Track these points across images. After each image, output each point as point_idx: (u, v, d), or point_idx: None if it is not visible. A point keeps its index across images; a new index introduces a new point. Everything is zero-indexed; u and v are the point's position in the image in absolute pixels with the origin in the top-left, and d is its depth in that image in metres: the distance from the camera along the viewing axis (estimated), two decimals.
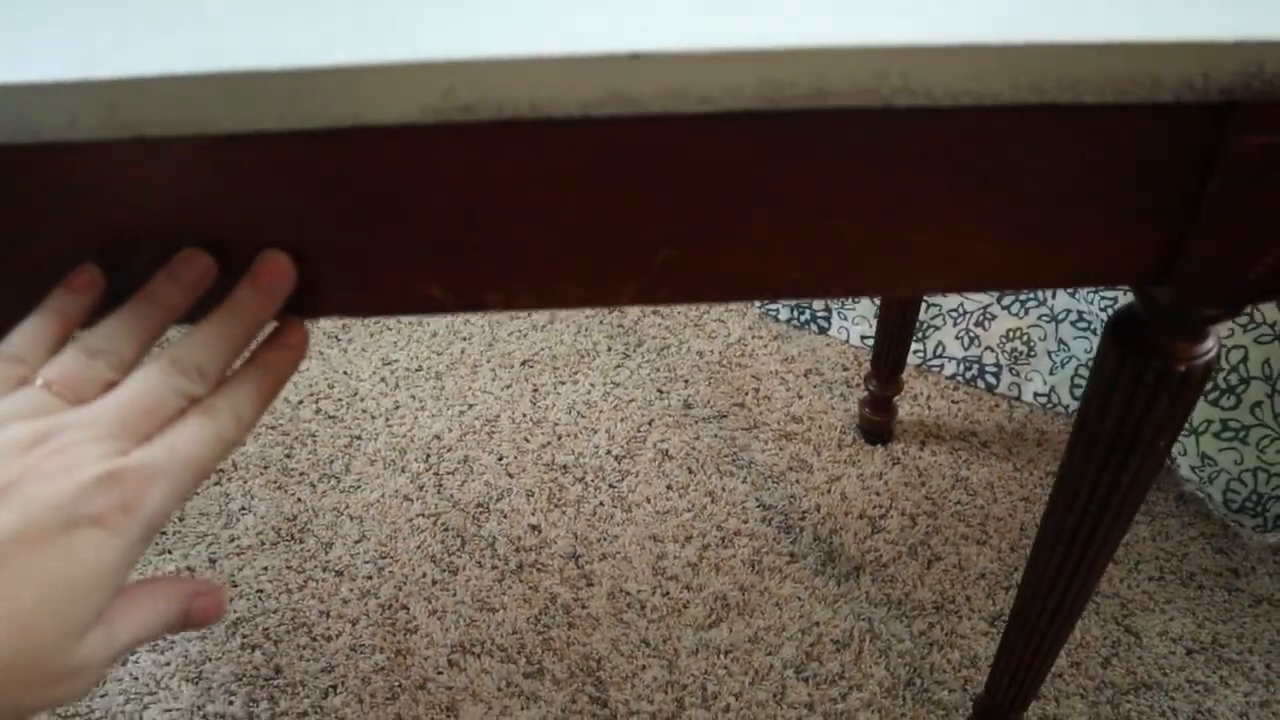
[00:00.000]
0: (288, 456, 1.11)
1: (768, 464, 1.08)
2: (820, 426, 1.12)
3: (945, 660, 0.89)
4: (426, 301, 0.46)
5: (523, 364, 1.23)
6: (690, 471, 1.07)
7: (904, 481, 1.06)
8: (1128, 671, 0.89)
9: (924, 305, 1.17)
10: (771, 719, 0.85)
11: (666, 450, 1.10)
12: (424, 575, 0.98)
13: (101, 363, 0.33)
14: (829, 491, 1.05)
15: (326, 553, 1.00)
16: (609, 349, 1.24)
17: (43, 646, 0.28)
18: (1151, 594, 0.95)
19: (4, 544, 0.27)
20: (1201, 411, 1.01)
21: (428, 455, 1.11)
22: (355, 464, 1.10)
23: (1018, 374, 1.16)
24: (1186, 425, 1.03)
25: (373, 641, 0.92)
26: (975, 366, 1.18)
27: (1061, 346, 1.13)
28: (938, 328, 1.18)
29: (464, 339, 1.27)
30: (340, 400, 1.18)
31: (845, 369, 1.20)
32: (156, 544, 1.02)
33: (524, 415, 1.15)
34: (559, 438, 1.12)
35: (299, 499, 1.06)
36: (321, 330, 1.30)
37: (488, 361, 1.23)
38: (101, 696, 0.88)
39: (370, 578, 0.98)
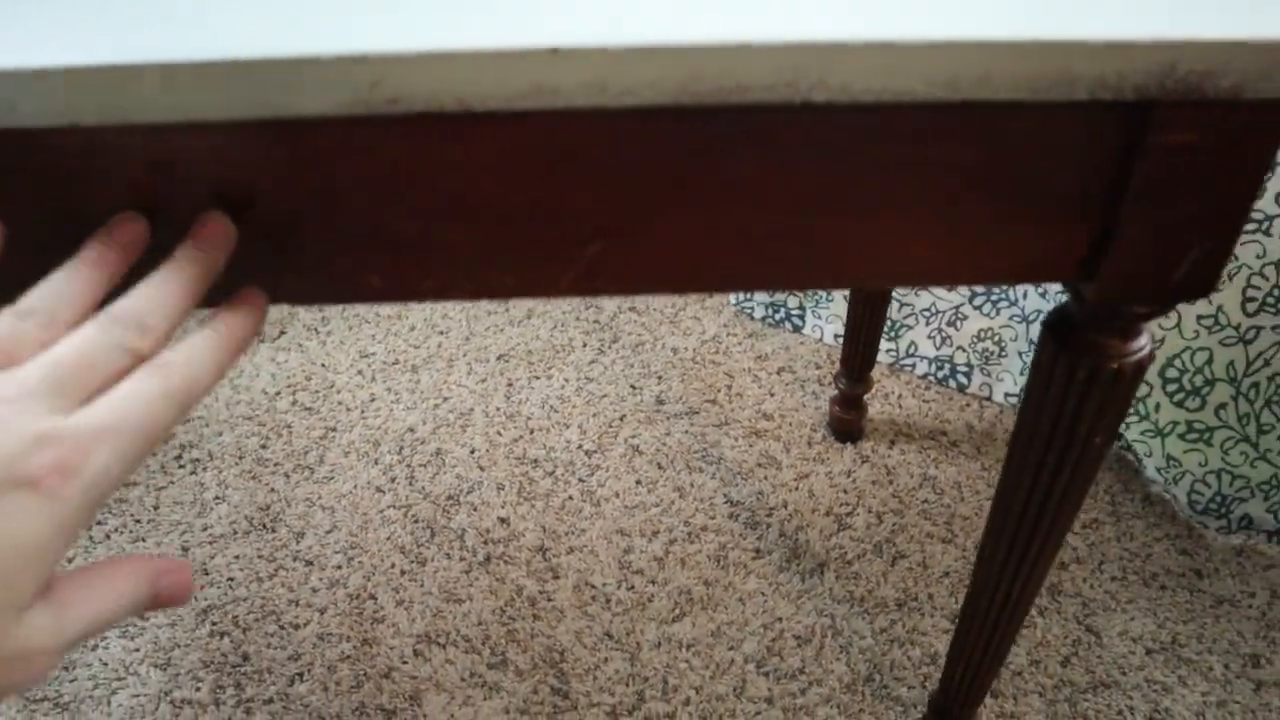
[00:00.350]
0: (263, 447, 1.12)
1: (737, 460, 1.09)
2: (791, 424, 1.13)
3: (906, 657, 0.90)
4: (366, 290, 0.46)
5: (499, 358, 1.23)
6: (660, 467, 1.08)
7: (872, 480, 1.07)
8: (1087, 670, 0.90)
9: (896, 305, 1.18)
10: (730, 713, 0.86)
11: (637, 445, 1.11)
12: (393, 566, 0.98)
13: (32, 323, 0.30)
14: (797, 489, 1.06)
15: (298, 542, 1.01)
16: (584, 344, 1.25)
17: None
18: (1114, 594, 0.96)
19: None
20: (1167, 413, 1.02)
21: (401, 448, 1.11)
22: (329, 455, 1.11)
23: (989, 374, 1.17)
24: (1152, 426, 1.03)
25: (340, 630, 0.93)
26: (947, 366, 1.18)
27: (1033, 347, 1.14)
28: (910, 327, 1.19)
29: (441, 333, 1.28)
30: (317, 392, 1.19)
31: (818, 367, 1.21)
32: (130, 532, 1.03)
33: (497, 409, 1.16)
34: (531, 432, 1.13)
35: (273, 489, 1.07)
36: (301, 323, 1.31)
37: (464, 356, 1.24)
38: (70, 681, 0.89)
39: (340, 567, 0.98)
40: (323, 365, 1.23)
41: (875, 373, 1.20)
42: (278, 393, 1.19)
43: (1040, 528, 0.60)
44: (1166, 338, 0.99)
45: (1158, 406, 1.02)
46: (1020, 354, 1.15)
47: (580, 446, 1.11)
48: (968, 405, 1.16)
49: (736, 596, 0.95)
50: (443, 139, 0.40)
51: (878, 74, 0.37)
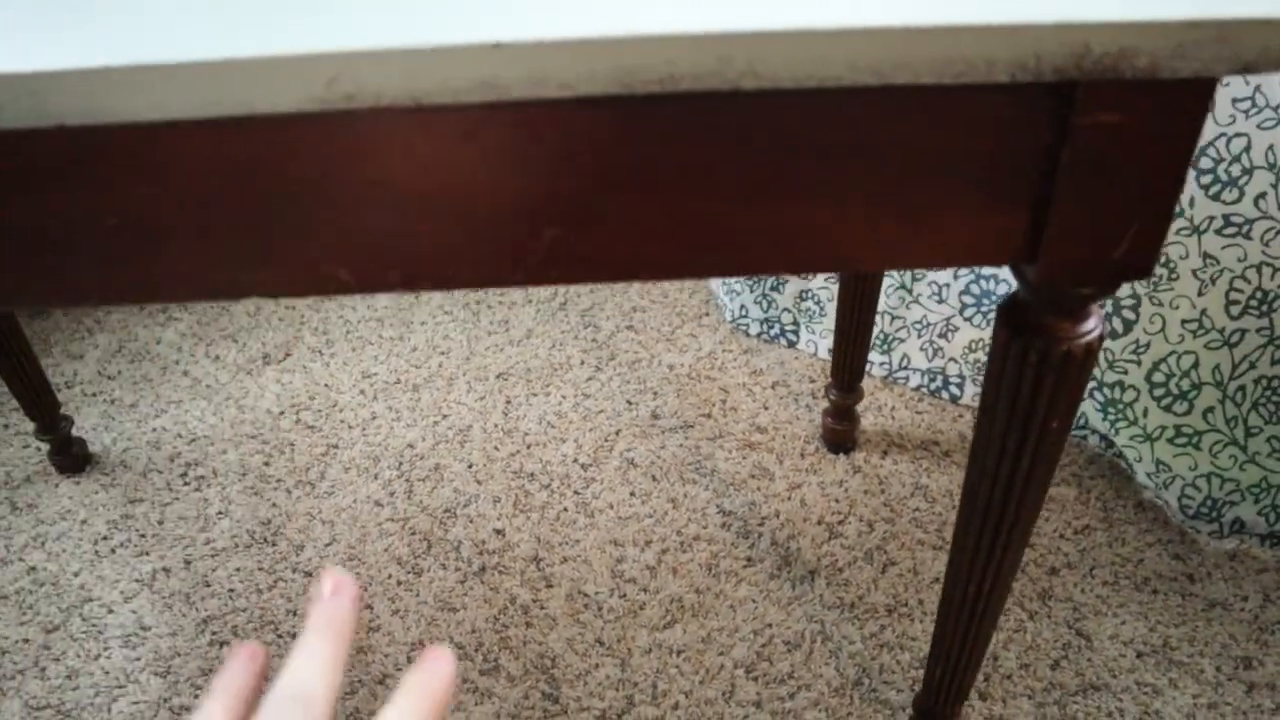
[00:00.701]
0: (266, 464, 1.15)
1: (730, 472, 1.10)
2: (784, 436, 1.14)
3: (895, 661, 0.91)
4: (334, 283, 0.49)
5: (498, 376, 1.26)
6: (654, 479, 1.09)
7: (864, 489, 1.07)
8: (1077, 673, 0.89)
9: (889, 319, 1.20)
10: (719, 716, 0.86)
11: (632, 459, 1.12)
12: (389, 576, 1.00)
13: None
14: (789, 498, 1.06)
15: (297, 555, 1.03)
16: (582, 362, 1.27)
17: None
18: (1105, 598, 0.96)
19: None
20: (1155, 418, 1.02)
21: (400, 463, 1.13)
22: (330, 471, 1.13)
23: (981, 385, 1.18)
24: (1141, 431, 1.04)
25: None
26: (939, 378, 1.19)
27: None
28: (902, 340, 1.20)
29: (442, 353, 1.30)
30: (320, 411, 1.22)
31: (812, 381, 1.22)
32: (134, 546, 1.05)
33: (496, 425, 1.18)
34: (528, 447, 1.15)
35: (274, 504, 1.09)
36: (306, 345, 1.34)
37: (464, 374, 1.26)
38: (73, 690, 0.91)
39: None
40: (326, 385, 1.26)
41: (869, 386, 1.21)
42: (281, 412, 1.22)
43: (1006, 516, 0.61)
44: (1152, 342, 1.00)
45: (1146, 411, 1.03)
46: None
47: (576, 460, 1.12)
48: (960, 416, 1.17)
49: (727, 604, 0.96)
50: (399, 134, 0.43)
51: (802, 61, 0.39)
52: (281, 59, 0.39)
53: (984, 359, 1.17)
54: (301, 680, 0.31)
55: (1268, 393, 0.96)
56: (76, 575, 1.02)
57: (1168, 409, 1.01)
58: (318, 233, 0.46)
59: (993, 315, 1.17)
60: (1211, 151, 0.90)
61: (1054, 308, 0.52)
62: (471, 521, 1.06)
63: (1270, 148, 0.87)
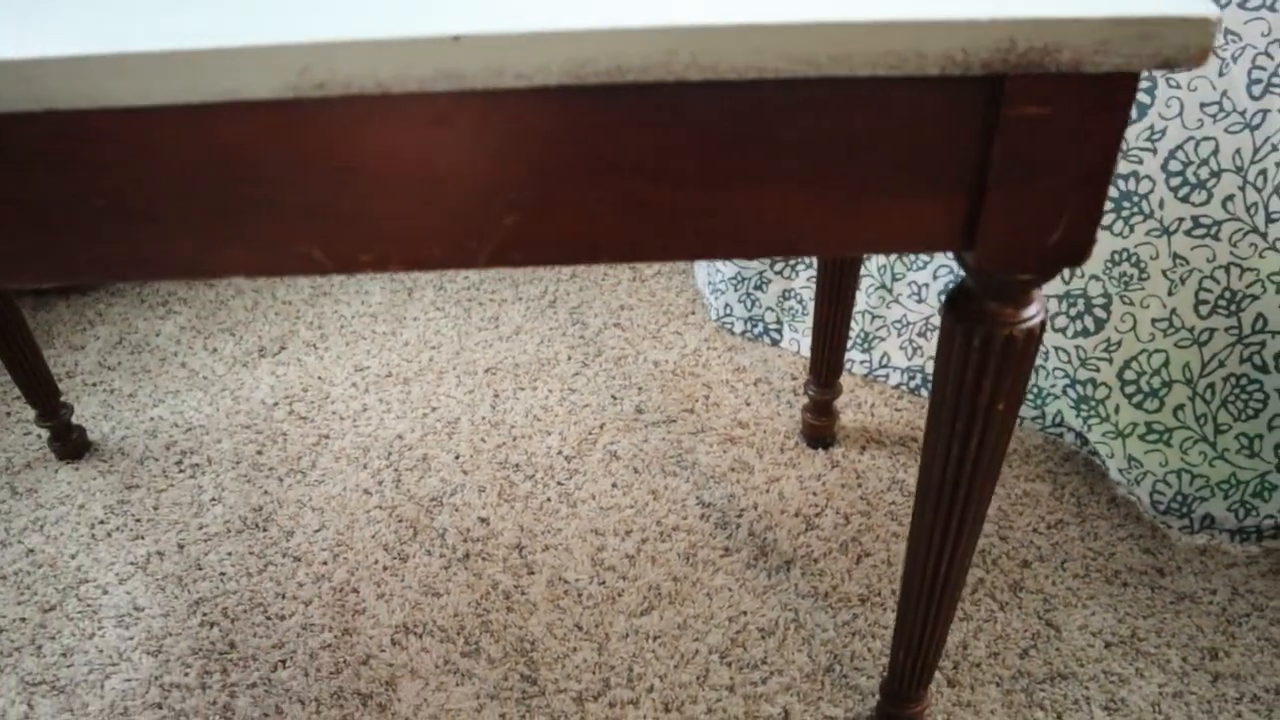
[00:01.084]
0: (259, 453, 1.17)
1: (711, 465, 1.12)
2: (765, 431, 1.16)
3: (866, 649, 0.93)
4: (308, 262, 0.51)
5: (486, 371, 1.28)
6: (636, 471, 1.12)
7: (841, 483, 1.10)
8: (1045, 662, 0.91)
9: (869, 318, 1.22)
10: (692, 699, 0.89)
11: (615, 451, 1.15)
12: (376, 562, 1.03)
13: None
14: (767, 491, 1.09)
15: (287, 540, 1.06)
16: (569, 358, 1.30)
17: None
18: (1075, 590, 0.98)
19: None
20: (1126, 414, 1.04)
21: (389, 453, 1.16)
22: (321, 460, 1.16)
23: None
24: (1113, 428, 1.06)
25: (322, 621, 0.97)
26: (919, 376, 1.22)
27: None
28: (883, 339, 1.22)
29: (433, 348, 1.33)
30: (312, 403, 1.25)
31: (794, 378, 1.25)
32: (129, 530, 1.08)
33: (483, 418, 1.21)
34: (514, 439, 1.17)
35: (266, 491, 1.12)
36: (300, 339, 1.36)
37: (454, 369, 1.29)
38: (67, 667, 0.94)
39: (325, 563, 1.03)
40: (319, 378, 1.29)
41: (849, 383, 1.23)
42: (275, 403, 1.25)
43: (958, 498, 0.63)
44: (1123, 341, 1.02)
45: (1117, 408, 1.05)
46: None
47: (560, 452, 1.15)
48: None
49: (704, 592, 0.98)
50: (370, 121, 0.45)
51: (743, 54, 0.42)
52: (257, 49, 0.42)
53: None
54: None
55: (1236, 390, 0.98)
56: (73, 557, 1.05)
57: (1139, 406, 1.03)
58: (292, 215, 0.49)
59: None
60: (1180, 155, 0.92)
61: (996, 294, 0.54)
62: (457, 510, 1.08)
63: (1237, 151, 0.89)
